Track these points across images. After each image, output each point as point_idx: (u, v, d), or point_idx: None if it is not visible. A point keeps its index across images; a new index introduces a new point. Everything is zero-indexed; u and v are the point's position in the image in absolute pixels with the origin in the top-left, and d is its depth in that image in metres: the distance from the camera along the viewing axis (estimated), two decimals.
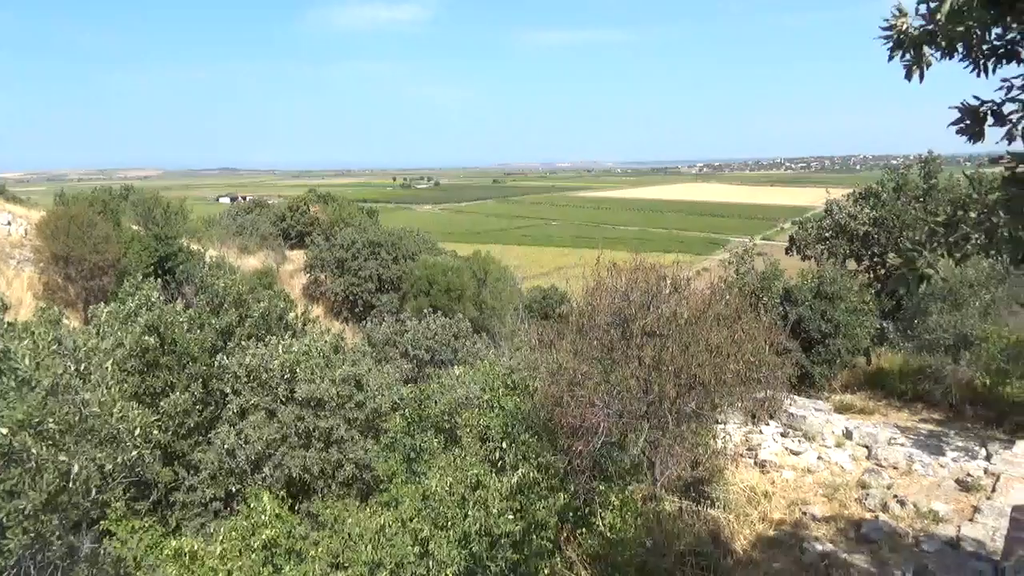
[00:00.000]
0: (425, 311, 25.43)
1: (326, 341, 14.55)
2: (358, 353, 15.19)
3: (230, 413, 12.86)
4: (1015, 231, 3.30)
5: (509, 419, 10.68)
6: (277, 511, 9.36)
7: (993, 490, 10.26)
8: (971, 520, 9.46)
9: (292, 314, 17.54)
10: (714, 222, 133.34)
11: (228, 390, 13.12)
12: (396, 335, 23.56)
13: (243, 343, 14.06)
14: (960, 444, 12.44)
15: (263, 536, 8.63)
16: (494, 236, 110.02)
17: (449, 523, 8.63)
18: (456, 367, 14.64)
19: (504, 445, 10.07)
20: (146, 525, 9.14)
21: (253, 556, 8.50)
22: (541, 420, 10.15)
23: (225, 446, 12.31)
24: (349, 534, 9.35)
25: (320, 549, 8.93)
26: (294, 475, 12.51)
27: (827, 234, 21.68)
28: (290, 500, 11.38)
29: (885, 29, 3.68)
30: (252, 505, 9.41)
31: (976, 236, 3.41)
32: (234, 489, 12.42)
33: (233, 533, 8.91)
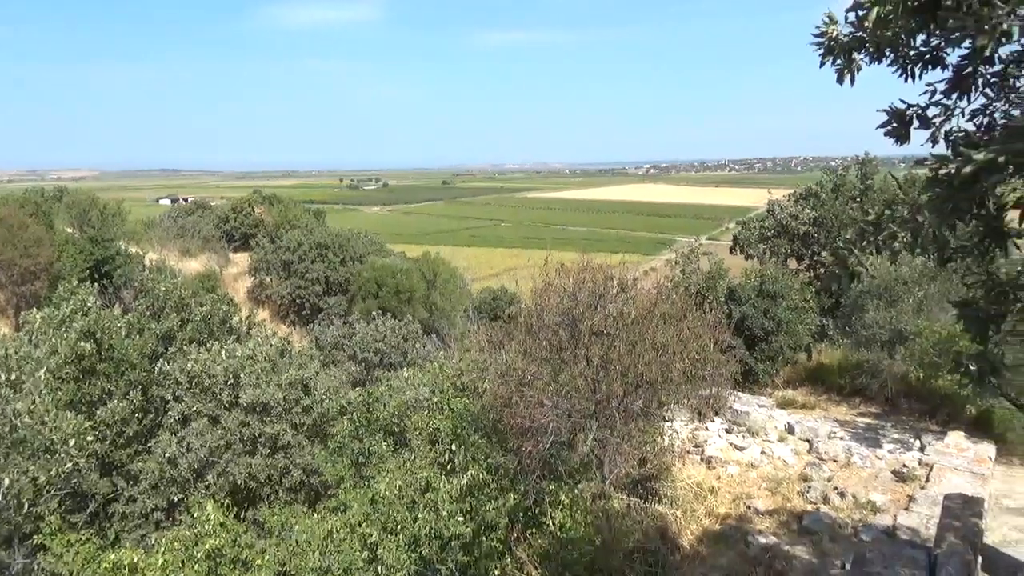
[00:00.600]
0: (374, 313, 25.20)
1: (272, 345, 14.29)
2: (305, 357, 14.94)
3: (171, 420, 12.52)
4: (939, 230, 3.44)
5: (459, 421, 10.65)
6: (222, 520, 9.14)
7: (927, 480, 10.65)
8: (907, 509, 9.80)
9: (236, 318, 17.17)
10: (661, 222, 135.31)
11: (169, 397, 12.78)
12: (344, 338, 23.28)
13: (185, 348, 13.71)
14: (896, 436, 12.88)
15: (207, 546, 8.41)
16: (443, 237, 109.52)
17: (399, 527, 8.56)
18: (405, 369, 14.55)
19: (454, 447, 10.04)
20: (83, 538, 8.84)
21: (197, 567, 8.28)
22: (491, 421, 10.14)
23: (166, 455, 11.98)
24: (296, 541, 9.20)
25: (267, 557, 8.77)
26: (239, 482, 12.24)
27: (769, 234, 22.22)
28: (235, 508, 11.13)
29: (817, 36, 3.79)
30: (195, 514, 9.18)
31: (903, 235, 3.54)
32: (176, 499, 12.10)
33: (176, 544, 8.67)
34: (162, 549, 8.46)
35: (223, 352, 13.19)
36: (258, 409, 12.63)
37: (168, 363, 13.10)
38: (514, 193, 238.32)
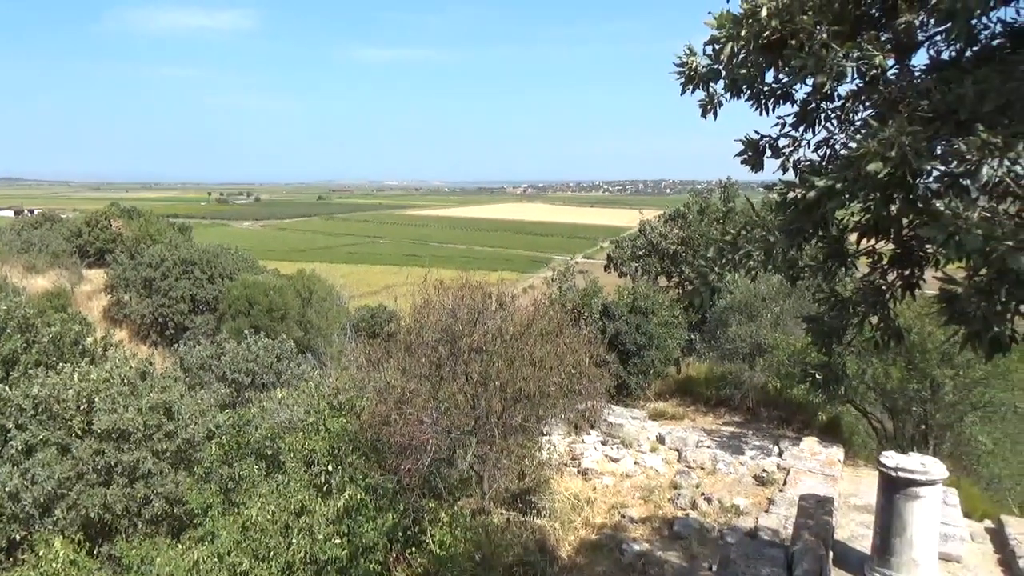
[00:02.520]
0: (245, 332, 24.10)
1: (131, 367, 13.38)
2: (169, 379, 14.08)
3: (13, 451, 11.44)
4: (788, 250, 3.75)
5: (335, 441, 10.38)
6: (72, 557, 8.45)
7: (785, 483, 11.40)
8: (767, 511, 10.45)
9: (90, 339, 15.98)
10: (538, 241, 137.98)
11: (11, 425, 11.68)
12: (212, 358, 22.09)
13: (30, 371, 12.60)
14: (757, 443, 13.73)
15: None
16: (319, 254, 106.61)
17: (271, 553, 8.22)
18: (279, 390, 14.03)
19: (330, 468, 9.76)
20: None
21: None
22: (369, 440, 9.96)
23: (7, 488, 10.92)
24: (158, 575, 8.63)
25: None
26: (93, 515, 11.33)
27: (641, 252, 23.19)
28: (88, 544, 10.30)
29: (678, 66, 4.05)
30: (41, 553, 8.43)
31: (756, 254, 3.83)
32: (18, 536, 11.05)
33: None
34: None
35: (75, 375, 12.22)
36: (115, 436, 11.76)
37: (10, 388, 11.99)
38: (393, 210, 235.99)
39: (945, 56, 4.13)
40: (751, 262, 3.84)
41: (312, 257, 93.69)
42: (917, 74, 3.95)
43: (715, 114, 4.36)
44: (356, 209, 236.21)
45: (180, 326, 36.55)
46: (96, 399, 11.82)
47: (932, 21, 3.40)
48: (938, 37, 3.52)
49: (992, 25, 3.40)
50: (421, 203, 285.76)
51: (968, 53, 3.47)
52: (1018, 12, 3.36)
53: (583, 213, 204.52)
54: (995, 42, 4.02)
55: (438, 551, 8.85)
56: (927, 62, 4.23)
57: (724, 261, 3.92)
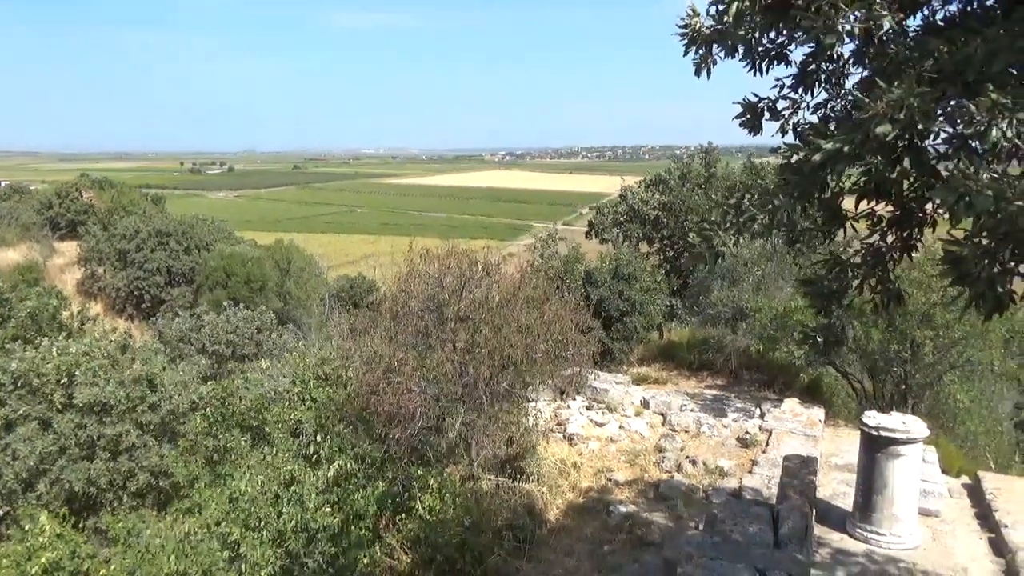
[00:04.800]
0: (224, 304, 23.87)
1: (111, 340, 13.22)
2: (149, 351, 13.92)
3: None
4: (791, 212, 3.76)
5: (322, 411, 10.36)
6: (58, 530, 8.40)
7: (767, 444, 11.59)
8: (750, 472, 10.63)
9: (66, 313, 15.74)
10: (518, 208, 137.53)
11: None
12: (192, 331, 21.90)
13: (7, 346, 12.40)
14: (739, 406, 13.92)
15: (42, 560, 7.71)
16: (297, 224, 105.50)
17: (262, 523, 8.23)
18: (263, 360, 13.94)
19: (319, 438, 9.76)
20: None
21: None
22: (356, 410, 9.95)
23: None
24: (147, 547, 8.60)
25: (112, 567, 8.14)
26: (77, 490, 11.27)
27: (622, 219, 23.20)
28: (73, 518, 10.25)
29: (681, 27, 4.00)
30: (27, 527, 8.37)
31: (761, 217, 3.83)
32: (2, 512, 10.97)
33: (5, 560, 7.86)
34: None
35: (54, 349, 12.06)
36: (97, 409, 11.66)
37: None
38: (370, 179, 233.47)
39: (940, 16, 4.13)
40: (756, 226, 3.84)
41: (289, 227, 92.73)
42: (912, 34, 3.93)
43: (708, 73, 4.32)
44: (333, 178, 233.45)
45: (157, 299, 36.13)
46: (77, 372, 11.67)
47: None
48: None
49: None
50: (399, 172, 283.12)
51: (968, 10, 3.45)
52: None
53: (562, 180, 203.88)
54: (989, 2, 4.01)
55: (428, 517, 8.92)
56: (920, 23, 4.21)
57: (728, 225, 3.92)
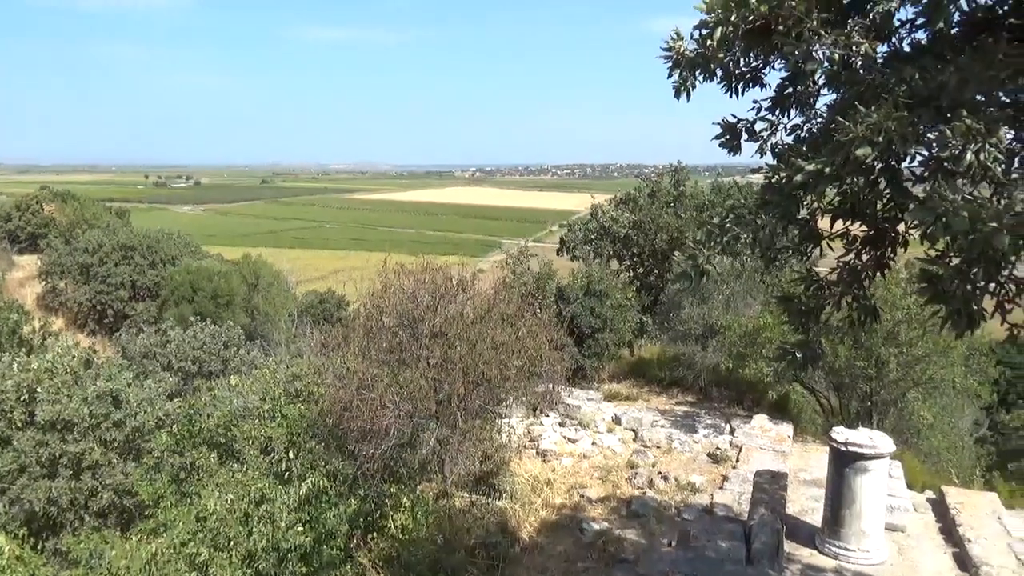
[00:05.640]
0: (191, 319, 23.47)
1: (74, 356, 12.92)
2: (114, 367, 13.63)
3: None
4: (775, 230, 3.84)
5: (294, 427, 10.23)
6: (17, 552, 8.16)
7: (738, 460, 11.71)
8: (721, 488, 10.72)
9: (27, 328, 15.37)
10: (488, 225, 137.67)
11: None
12: (157, 347, 21.47)
13: None
14: (710, 422, 14.05)
15: None
16: (265, 239, 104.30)
17: (231, 543, 8.07)
18: (232, 377, 13.71)
19: (290, 455, 9.62)
20: None
21: None
22: (328, 426, 9.84)
23: None
24: (110, 569, 8.39)
25: None
26: (37, 510, 10.96)
27: (593, 236, 23.33)
28: (33, 539, 9.96)
29: (665, 50, 4.08)
30: None
31: (744, 236, 3.92)
32: None
33: None
34: None
35: (15, 365, 11.76)
36: (59, 427, 11.37)
37: None
38: (339, 194, 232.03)
39: (907, 44, 4.27)
40: (739, 245, 3.92)
41: (257, 242, 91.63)
42: (880, 61, 4.06)
43: (688, 95, 4.40)
44: (301, 193, 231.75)
45: (120, 314, 35.42)
46: (39, 389, 11.39)
47: (907, 9, 3.50)
48: (911, 24, 3.62)
49: (971, 9, 3.51)
50: (368, 187, 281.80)
51: (936, 37, 3.58)
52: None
53: (532, 197, 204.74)
54: (954, 31, 4.16)
55: (400, 535, 8.84)
56: (887, 50, 4.35)
57: (713, 243, 3.99)
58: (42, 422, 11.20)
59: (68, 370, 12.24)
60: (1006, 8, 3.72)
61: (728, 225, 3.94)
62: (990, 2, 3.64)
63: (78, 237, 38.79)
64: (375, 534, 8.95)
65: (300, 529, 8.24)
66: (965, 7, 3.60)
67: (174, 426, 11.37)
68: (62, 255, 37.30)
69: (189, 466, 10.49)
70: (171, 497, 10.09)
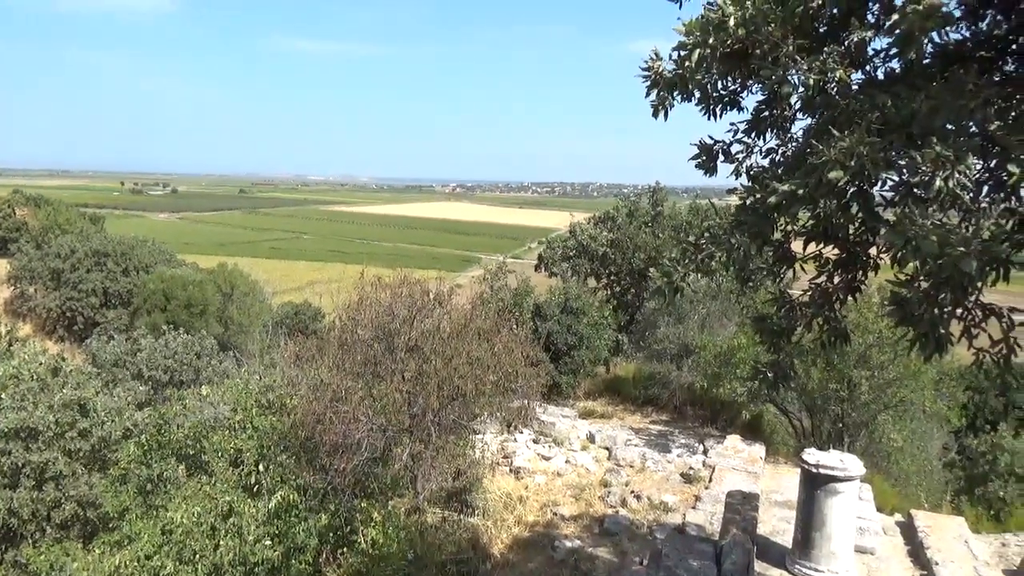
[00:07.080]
0: (163, 328, 23.18)
1: (41, 362, 12.67)
2: (83, 375, 13.39)
3: None
4: (749, 250, 3.89)
5: (264, 440, 10.09)
6: None
7: (710, 480, 11.74)
8: (694, 508, 10.74)
9: None
10: (467, 240, 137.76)
11: None
12: (128, 355, 21.16)
13: None
14: (683, 441, 14.09)
15: None
16: (241, 248, 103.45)
17: (197, 556, 7.93)
18: (203, 387, 13.52)
19: (260, 468, 9.48)
20: None
21: None
22: (300, 439, 9.73)
23: None
24: None
25: None
26: None
27: (571, 253, 23.44)
28: None
29: (644, 70, 4.14)
30: None
31: (719, 255, 3.96)
32: None
33: None
34: None
35: None
36: (23, 435, 11.12)
37: None
38: (318, 206, 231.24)
39: (881, 72, 4.37)
40: (713, 263, 3.96)
41: (233, 252, 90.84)
42: (855, 88, 4.15)
43: (666, 115, 4.46)
44: (280, 204, 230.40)
45: (90, 320, 34.91)
46: (3, 396, 11.15)
47: (881, 39, 3.59)
48: (885, 53, 3.71)
49: (943, 42, 3.61)
50: (348, 199, 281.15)
51: (909, 66, 3.67)
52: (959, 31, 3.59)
53: (512, 214, 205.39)
54: (926, 61, 4.27)
55: (371, 550, 8.73)
56: (862, 77, 4.45)
57: (688, 261, 4.03)
58: (5, 430, 10.95)
59: (35, 377, 12.00)
60: (976, 42, 3.84)
61: (703, 244, 4.00)
62: (960, 36, 3.76)
63: (50, 242, 38.24)
64: (345, 549, 8.83)
65: (268, 543, 8.12)
66: (937, 39, 3.71)
67: (142, 436, 11.17)
68: (33, 260, 36.75)
69: (156, 478, 10.31)
70: (137, 509, 9.90)
